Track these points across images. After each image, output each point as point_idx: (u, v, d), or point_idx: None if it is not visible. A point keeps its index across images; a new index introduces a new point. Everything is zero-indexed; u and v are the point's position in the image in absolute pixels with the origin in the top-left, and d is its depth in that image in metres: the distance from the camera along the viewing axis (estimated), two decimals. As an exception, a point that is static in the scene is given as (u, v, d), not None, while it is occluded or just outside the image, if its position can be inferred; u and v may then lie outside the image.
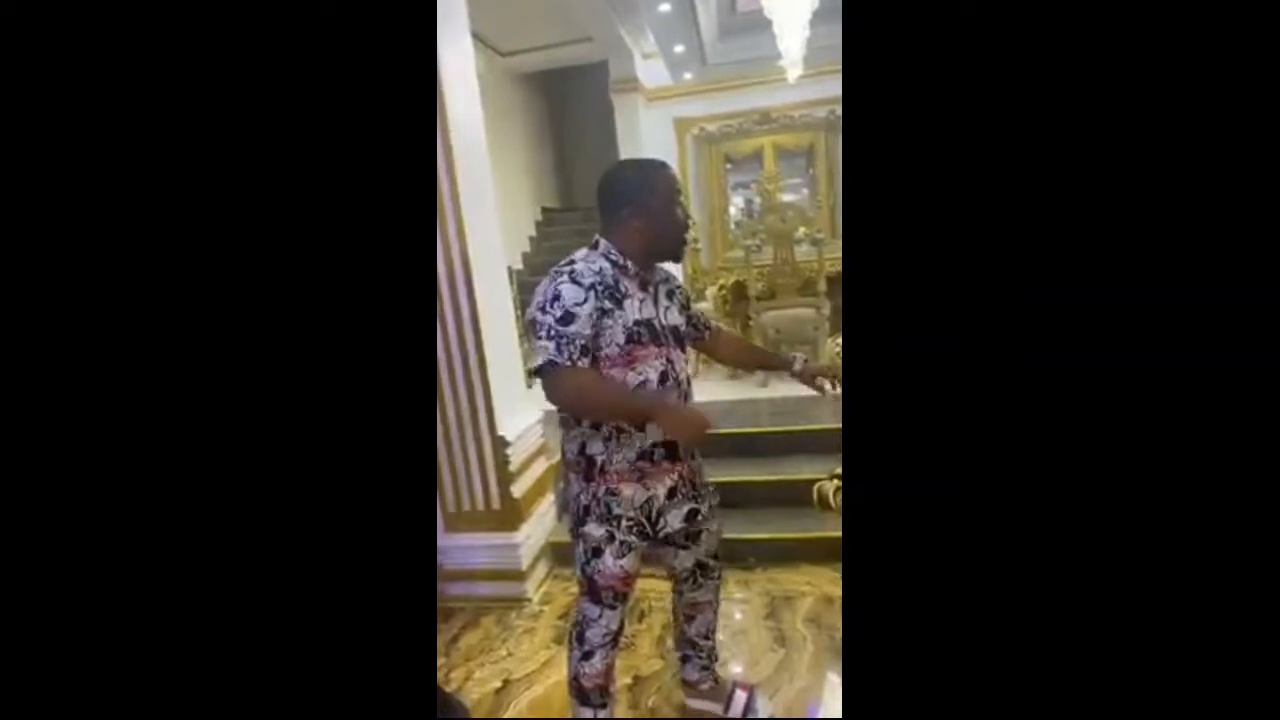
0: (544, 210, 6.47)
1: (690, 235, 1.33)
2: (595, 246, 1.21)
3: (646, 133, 5.43)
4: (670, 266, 1.34)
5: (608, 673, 1.34)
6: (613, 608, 1.29)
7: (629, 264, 1.19)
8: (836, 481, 1.55)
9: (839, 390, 1.44)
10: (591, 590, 1.28)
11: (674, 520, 1.27)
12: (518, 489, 2.18)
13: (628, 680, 1.74)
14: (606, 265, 1.18)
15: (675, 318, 1.28)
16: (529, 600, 2.15)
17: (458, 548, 2.16)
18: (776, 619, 1.99)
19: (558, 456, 2.42)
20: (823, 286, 3.44)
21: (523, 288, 2.59)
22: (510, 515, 2.14)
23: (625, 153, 5.35)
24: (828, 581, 2.13)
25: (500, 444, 2.12)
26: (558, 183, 6.99)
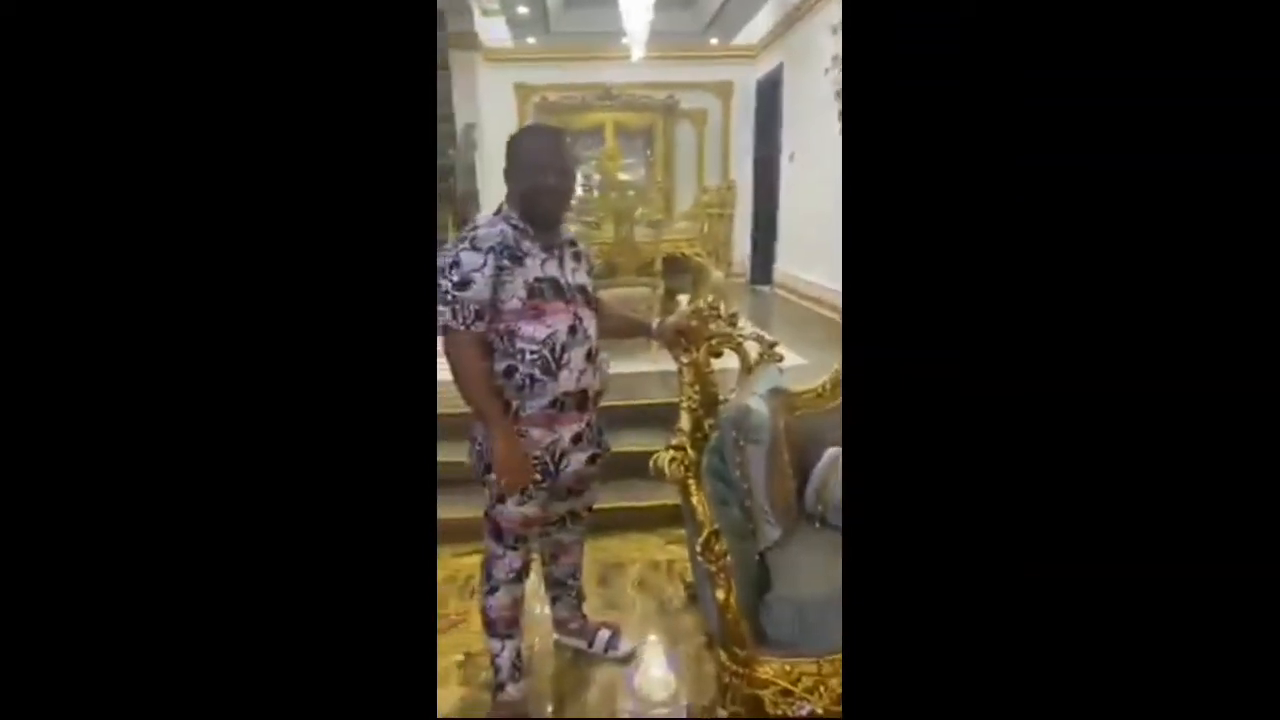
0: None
1: (588, 209, 1.35)
2: (498, 212, 1.31)
3: (485, 95, 5.21)
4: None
5: (513, 606, 1.46)
6: (514, 548, 1.41)
7: (527, 227, 1.28)
8: (672, 452, 1.60)
9: (695, 355, 1.55)
10: (494, 531, 1.40)
11: (576, 463, 1.38)
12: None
13: (459, 657, 1.75)
14: (507, 228, 1.27)
15: (582, 278, 1.36)
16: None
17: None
18: (608, 585, 2.05)
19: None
20: (658, 267, 3.51)
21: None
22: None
23: (462, 114, 5.10)
24: (655, 549, 2.22)
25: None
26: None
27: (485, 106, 5.19)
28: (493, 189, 4.76)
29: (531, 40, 5.59)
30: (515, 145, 1.32)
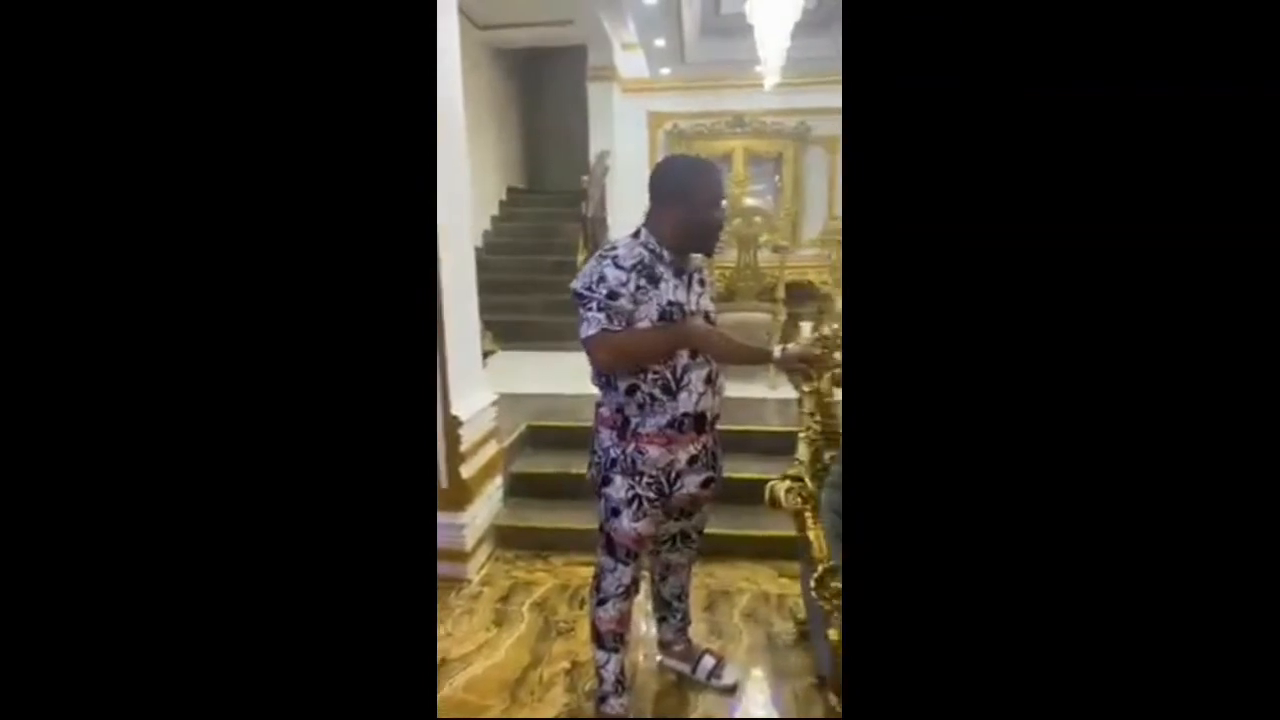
0: (509, 190, 6.13)
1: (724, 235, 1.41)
2: (636, 235, 1.34)
3: (620, 124, 5.45)
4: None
5: (621, 620, 1.49)
6: (625, 563, 1.44)
7: (665, 252, 1.32)
8: (788, 482, 1.58)
9: (817, 384, 1.56)
10: (608, 545, 1.44)
11: (690, 485, 1.40)
12: (467, 470, 2.20)
13: (567, 665, 1.80)
14: (645, 252, 1.31)
15: (706, 304, 1.41)
16: (469, 581, 2.16)
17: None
18: (714, 612, 2.02)
19: (509, 440, 2.52)
20: (780, 293, 3.46)
21: (481, 267, 2.49)
22: (458, 496, 2.14)
23: (597, 141, 5.37)
24: (766, 580, 2.16)
25: (453, 424, 2.14)
26: (525, 163, 6.80)
27: (621, 134, 5.41)
28: (621, 213, 4.94)
29: (667, 71, 5.76)
30: (686, 179, 1.33)
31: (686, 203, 1.31)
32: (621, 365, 1.32)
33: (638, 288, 1.28)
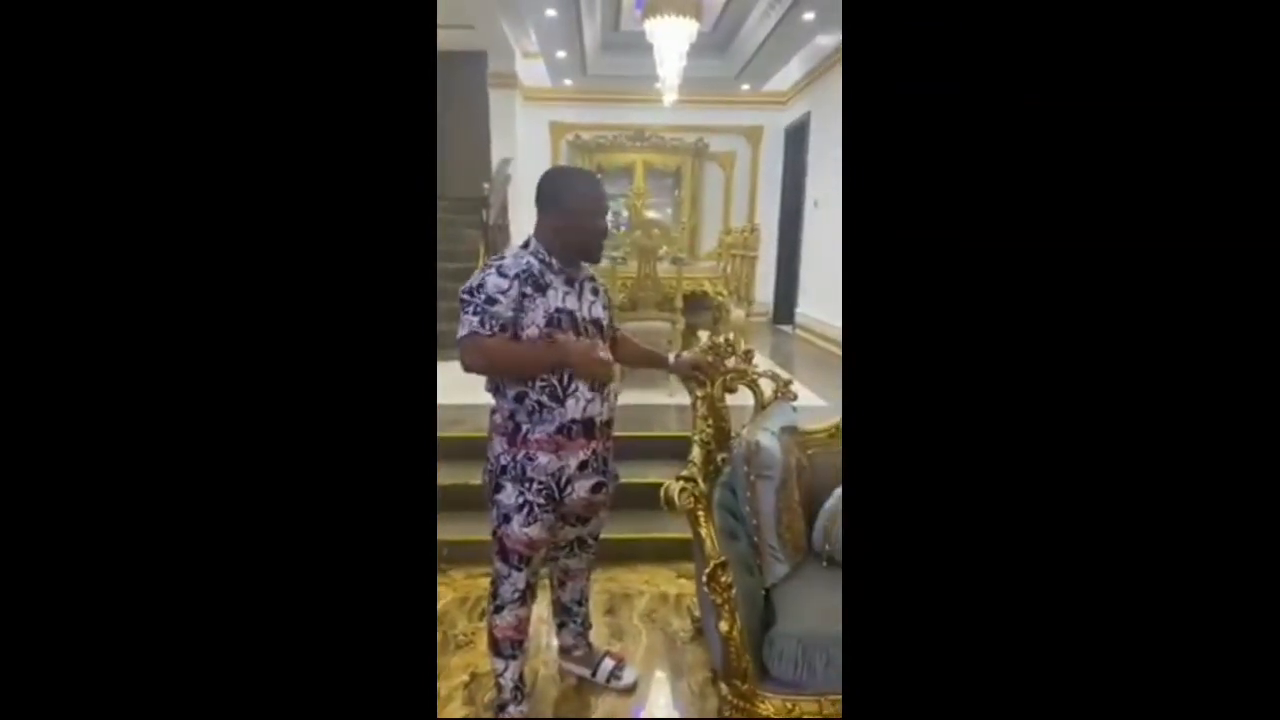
0: (406, 195, 6.19)
1: (614, 245, 1.43)
2: (526, 245, 1.39)
3: (522, 131, 5.47)
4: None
5: (518, 626, 1.50)
6: (519, 569, 1.45)
7: (553, 261, 1.36)
8: (682, 483, 1.63)
9: (710, 390, 1.62)
10: (501, 551, 1.45)
11: (581, 490, 1.43)
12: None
13: (465, 678, 1.78)
14: (533, 260, 1.35)
15: (599, 312, 1.44)
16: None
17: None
18: (615, 615, 2.07)
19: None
20: (679, 303, 3.58)
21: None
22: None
23: (499, 147, 5.36)
24: (665, 581, 2.23)
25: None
26: (423, 168, 6.78)
27: (523, 142, 5.41)
28: (523, 220, 4.92)
29: (569, 82, 5.82)
30: (566, 188, 1.38)
31: (568, 212, 1.35)
32: (486, 371, 1.35)
33: (522, 295, 1.31)
